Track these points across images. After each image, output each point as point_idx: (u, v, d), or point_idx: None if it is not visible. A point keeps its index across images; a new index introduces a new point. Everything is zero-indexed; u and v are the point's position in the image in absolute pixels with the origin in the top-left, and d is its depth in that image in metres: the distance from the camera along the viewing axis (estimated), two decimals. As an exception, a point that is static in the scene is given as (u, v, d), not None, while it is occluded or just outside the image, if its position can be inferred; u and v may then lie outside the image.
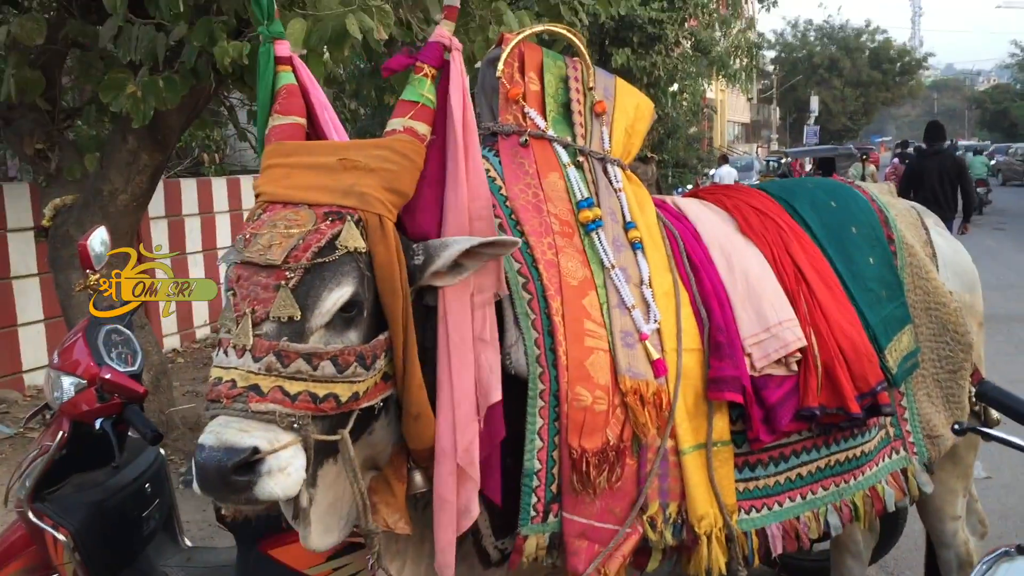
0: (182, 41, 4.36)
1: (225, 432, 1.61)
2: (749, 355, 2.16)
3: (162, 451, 3.33)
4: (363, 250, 1.74)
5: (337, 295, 1.70)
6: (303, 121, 1.96)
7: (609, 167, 2.26)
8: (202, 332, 9.09)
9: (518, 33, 2.24)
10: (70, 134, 5.81)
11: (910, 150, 20.19)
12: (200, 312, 9.15)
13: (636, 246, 2.18)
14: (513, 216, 2.08)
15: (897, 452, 2.45)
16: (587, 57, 2.29)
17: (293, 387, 1.65)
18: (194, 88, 4.46)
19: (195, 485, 1.63)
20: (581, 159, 2.23)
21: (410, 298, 1.80)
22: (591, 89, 2.29)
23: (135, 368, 2.92)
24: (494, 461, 1.92)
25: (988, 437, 1.72)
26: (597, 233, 2.13)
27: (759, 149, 44.96)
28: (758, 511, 2.20)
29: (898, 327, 2.42)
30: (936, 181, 8.90)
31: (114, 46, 4.35)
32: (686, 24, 17.44)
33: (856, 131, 55.40)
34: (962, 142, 56.20)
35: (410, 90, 1.88)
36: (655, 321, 2.10)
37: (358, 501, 1.83)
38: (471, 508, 1.89)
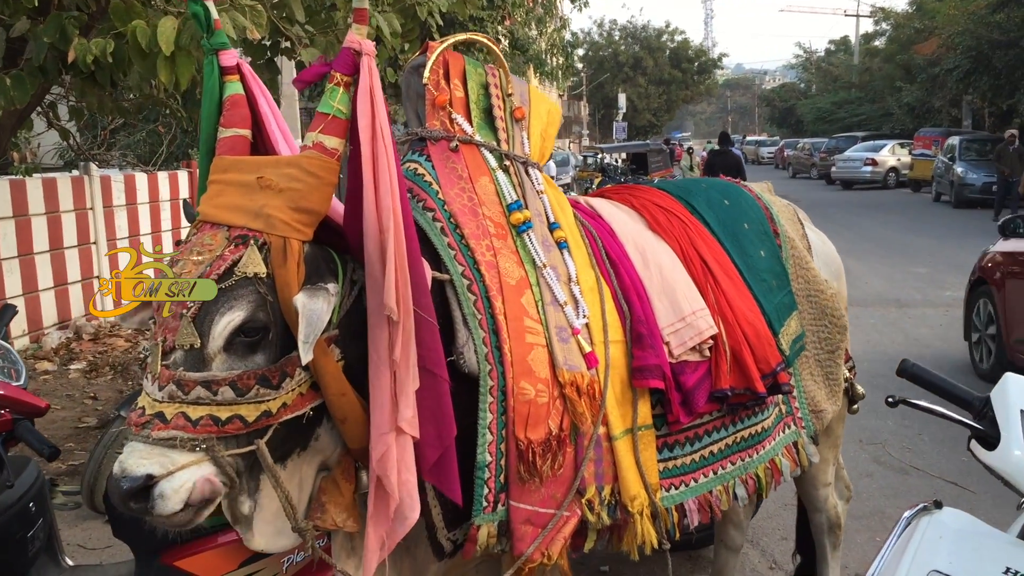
0: (23, 37, 4.11)
1: (127, 460, 1.70)
2: (667, 344, 2.32)
3: (40, 468, 3.16)
4: (263, 275, 1.76)
5: (227, 319, 1.74)
6: (247, 133, 1.94)
7: (531, 170, 2.36)
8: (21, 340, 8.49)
9: (442, 42, 2.30)
10: None
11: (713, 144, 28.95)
12: (49, 314, 8.65)
13: (562, 245, 2.29)
14: (452, 219, 2.14)
15: (789, 427, 2.68)
16: (505, 64, 2.38)
17: (196, 412, 1.72)
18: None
19: None
20: (507, 163, 2.32)
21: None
22: (510, 95, 2.38)
23: (21, 382, 2.77)
24: (449, 460, 1.96)
25: (915, 407, 1.93)
26: (528, 234, 2.22)
27: (571, 144, 46.32)
28: (676, 488, 2.37)
29: (787, 313, 2.65)
30: (722, 171, 13.21)
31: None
32: (505, 22, 17.76)
33: (659, 127, 58.12)
34: (752, 138, 60.21)
35: (323, 101, 1.88)
36: (584, 316, 2.23)
37: (283, 503, 1.88)
38: (405, 513, 1.88)
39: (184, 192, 10.85)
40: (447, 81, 2.31)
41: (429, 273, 1.99)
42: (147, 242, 10.14)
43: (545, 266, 2.21)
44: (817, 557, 3.29)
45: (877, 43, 48.24)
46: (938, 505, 1.73)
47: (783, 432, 2.66)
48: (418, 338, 1.86)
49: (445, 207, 2.16)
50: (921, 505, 1.75)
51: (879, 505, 4.65)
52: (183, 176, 11.03)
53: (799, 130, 52.20)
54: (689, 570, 3.95)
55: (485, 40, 2.38)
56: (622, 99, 49.42)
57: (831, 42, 61.03)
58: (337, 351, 1.88)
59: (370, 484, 1.89)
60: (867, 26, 50.69)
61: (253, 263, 1.75)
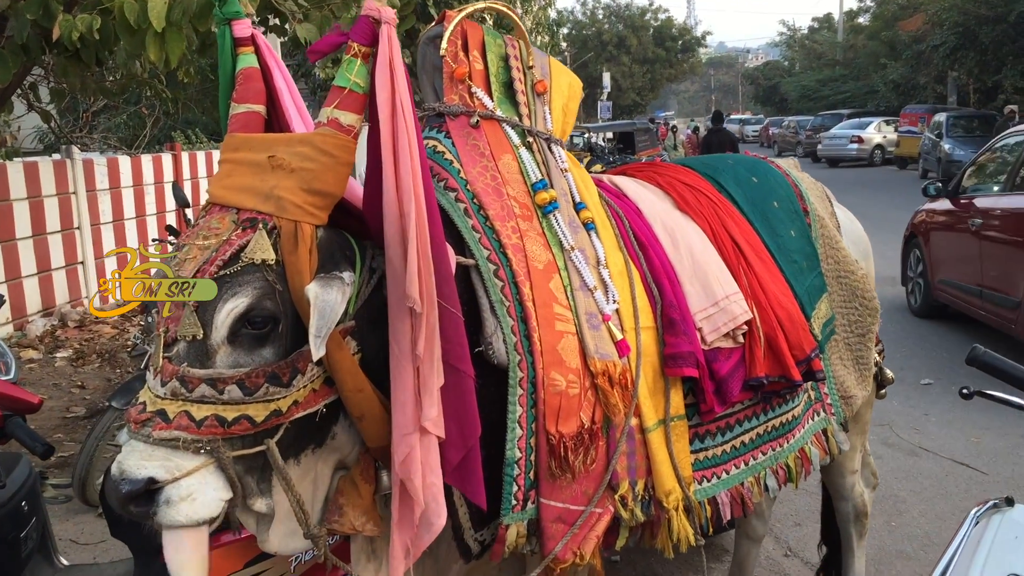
0: (3, 15, 3.94)
1: (127, 460, 1.59)
2: (700, 329, 2.19)
3: (31, 464, 3.03)
4: (271, 261, 1.64)
5: (230, 306, 1.61)
6: (261, 108, 1.80)
7: (554, 147, 2.22)
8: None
9: (460, 10, 2.16)
10: None
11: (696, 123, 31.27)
12: (33, 301, 8.45)
13: (589, 227, 2.15)
14: (476, 200, 2.01)
15: (818, 414, 2.58)
16: (526, 35, 2.24)
17: (200, 412, 1.60)
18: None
19: None
20: (530, 140, 2.18)
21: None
22: (531, 68, 2.25)
23: (11, 377, 2.63)
24: (473, 461, 1.82)
25: (992, 399, 1.79)
26: (554, 215, 2.09)
27: (556, 124, 45.97)
28: (708, 480, 2.26)
29: (818, 295, 2.54)
30: (718, 149, 14.19)
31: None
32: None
33: (644, 106, 57.88)
34: (736, 116, 60.20)
35: (339, 74, 1.74)
36: (614, 301, 2.10)
37: (294, 507, 1.77)
38: (431, 519, 1.76)
39: (169, 175, 10.62)
40: (465, 53, 2.16)
41: (453, 259, 1.86)
42: (131, 226, 9.92)
43: (573, 249, 2.08)
44: (842, 547, 3.19)
45: (861, 20, 48.12)
46: (1009, 502, 1.61)
47: (812, 419, 2.55)
48: (441, 331, 1.72)
49: (468, 187, 2.02)
50: (991, 502, 1.63)
51: (892, 488, 4.56)
52: (167, 159, 10.79)
53: (783, 108, 52.09)
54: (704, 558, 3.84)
55: (505, 9, 2.24)
56: (606, 78, 49.05)
57: (814, 19, 60.93)
58: (353, 344, 1.75)
59: (393, 488, 1.77)
60: (851, 3, 50.67)
61: (261, 249, 1.62)
